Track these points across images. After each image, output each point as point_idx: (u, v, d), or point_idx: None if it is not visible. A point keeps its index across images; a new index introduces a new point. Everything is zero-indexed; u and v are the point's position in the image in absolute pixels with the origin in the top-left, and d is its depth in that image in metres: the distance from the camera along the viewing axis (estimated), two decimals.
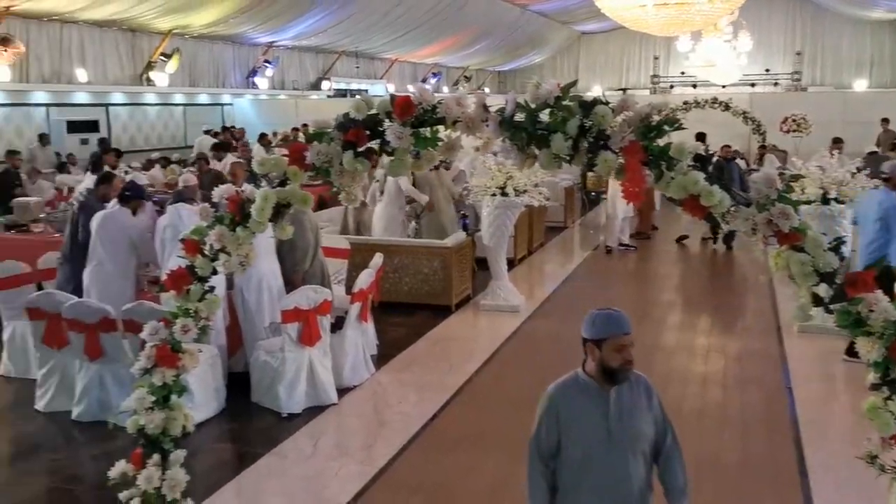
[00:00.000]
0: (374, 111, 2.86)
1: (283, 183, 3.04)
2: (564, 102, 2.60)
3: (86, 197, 7.12)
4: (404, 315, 8.43)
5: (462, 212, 10.23)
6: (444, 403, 6.15)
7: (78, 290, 6.38)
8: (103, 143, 15.08)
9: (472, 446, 5.47)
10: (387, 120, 2.86)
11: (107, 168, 10.13)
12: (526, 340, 7.92)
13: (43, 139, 15.61)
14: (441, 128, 2.84)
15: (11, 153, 12.47)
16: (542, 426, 2.97)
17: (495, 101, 2.84)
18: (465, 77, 34.72)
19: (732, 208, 2.54)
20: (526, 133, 2.63)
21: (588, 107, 2.57)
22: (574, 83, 2.61)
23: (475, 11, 24.86)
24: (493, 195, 8.52)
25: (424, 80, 32.82)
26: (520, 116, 2.69)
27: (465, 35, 27.62)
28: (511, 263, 9.95)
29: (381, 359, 7.11)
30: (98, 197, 7.06)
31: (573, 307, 9.22)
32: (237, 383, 6.26)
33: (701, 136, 12.68)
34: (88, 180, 11.53)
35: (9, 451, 5.74)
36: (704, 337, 8.15)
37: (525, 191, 8.61)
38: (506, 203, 8.54)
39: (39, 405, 6.06)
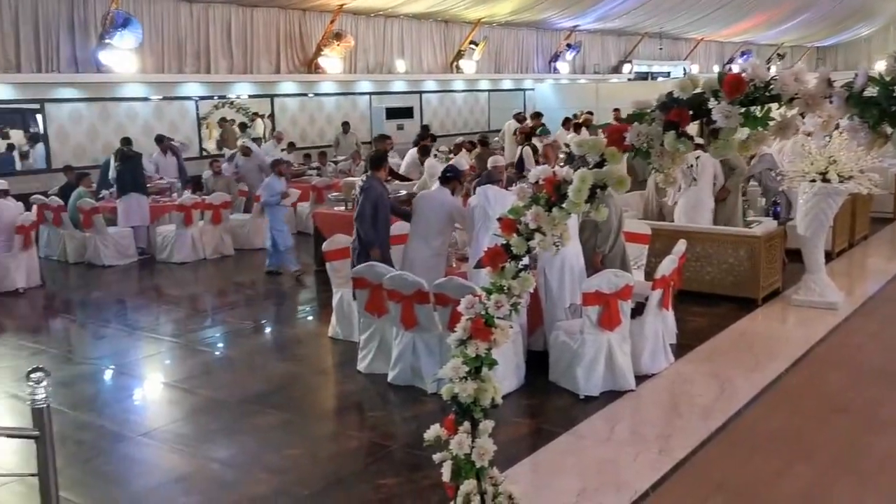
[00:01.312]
0: (699, 90, 2.74)
1: (599, 164, 3.03)
2: None
3: (365, 179, 7.61)
4: (705, 305, 8.07)
5: (773, 198, 9.53)
6: (750, 400, 5.79)
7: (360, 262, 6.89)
8: (425, 129, 16.17)
9: (784, 449, 5.09)
10: (712, 99, 2.72)
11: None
12: (844, 341, 7.19)
13: (345, 127, 17.03)
14: (773, 106, 2.64)
15: (383, 137, 13.64)
16: None
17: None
18: (779, 55, 32.26)
19: None
20: (879, 109, 2.35)
21: None
22: None
23: None
24: (813, 181, 7.81)
25: (732, 60, 31.07)
26: (870, 91, 2.41)
27: (781, 9, 25.62)
28: (828, 256, 9.08)
29: (681, 348, 6.86)
30: (376, 178, 7.48)
31: None
32: (535, 361, 6.40)
33: None
34: (405, 162, 12.47)
35: (335, 406, 6.43)
36: None
37: (850, 177, 7.79)
38: (827, 190, 7.78)
39: (360, 366, 6.68)
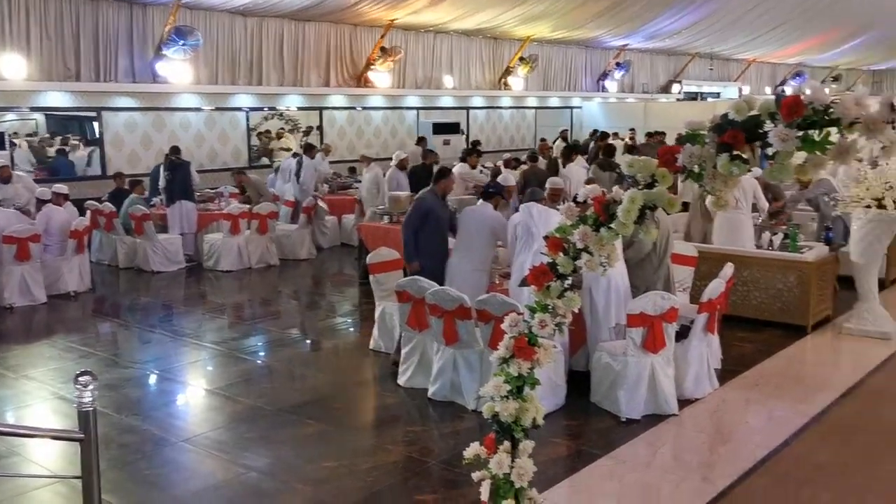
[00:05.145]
0: (755, 112, 2.69)
1: (649, 185, 2.99)
2: None
3: (422, 192, 7.60)
4: (752, 331, 7.92)
5: (826, 223, 9.33)
6: (797, 430, 5.64)
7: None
8: (475, 144, 16.16)
9: (833, 484, 4.95)
10: (769, 121, 2.66)
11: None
12: None
13: (420, 142, 17.02)
14: (833, 130, 2.58)
15: (429, 152, 13.59)
16: None
17: None
18: (833, 78, 31.65)
19: None
20: None
21: None
22: None
23: (855, 3, 22.29)
24: (868, 207, 7.62)
25: (784, 82, 30.63)
26: None
27: (839, 30, 25.12)
28: (882, 285, 8.84)
29: (726, 374, 6.73)
30: (432, 192, 7.41)
31: None
32: (577, 381, 6.32)
33: None
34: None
35: (373, 419, 6.42)
36: None
37: None
38: (882, 217, 7.58)
39: (401, 380, 6.67)
